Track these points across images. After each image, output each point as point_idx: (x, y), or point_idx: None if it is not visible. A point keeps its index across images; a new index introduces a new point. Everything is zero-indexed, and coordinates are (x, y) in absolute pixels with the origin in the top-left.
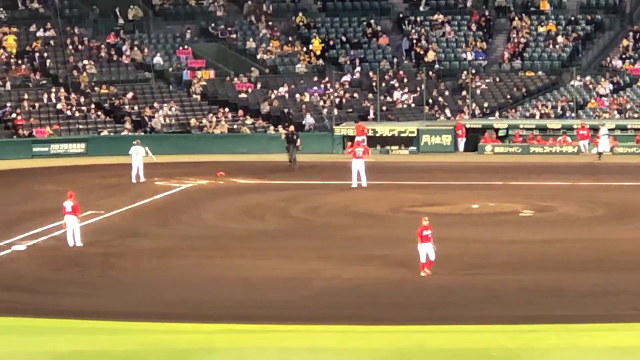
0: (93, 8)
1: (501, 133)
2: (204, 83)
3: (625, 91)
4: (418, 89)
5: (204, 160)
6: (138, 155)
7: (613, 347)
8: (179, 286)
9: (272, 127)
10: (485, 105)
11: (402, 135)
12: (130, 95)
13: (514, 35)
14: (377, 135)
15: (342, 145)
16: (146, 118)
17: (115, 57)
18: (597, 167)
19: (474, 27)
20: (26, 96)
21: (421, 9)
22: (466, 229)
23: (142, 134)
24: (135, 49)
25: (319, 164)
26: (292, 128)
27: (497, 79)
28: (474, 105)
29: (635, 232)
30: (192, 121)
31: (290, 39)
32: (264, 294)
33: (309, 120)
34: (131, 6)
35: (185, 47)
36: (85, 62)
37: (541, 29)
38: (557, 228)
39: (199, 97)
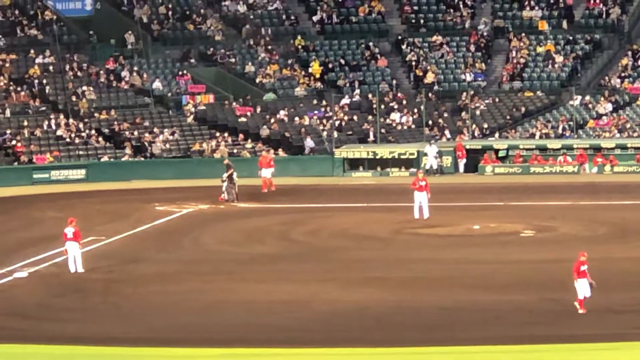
0: (91, 34)
1: (501, 154)
2: (203, 107)
3: (625, 110)
4: (416, 110)
5: (205, 185)
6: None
7: None
8: (181, 311)
9: (272, 151)
10: (485, 126)
11: (402, 157)
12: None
13: (513, 56)
14: (377, 157)
15: (342, 168)
16: (146, 143)
17: (114, 83)
18: (597, 186)
19: (472, 48)
20: (26, 123)
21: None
22: (467, 249)
23: (142, 159)
24: (135, 74)
25: (320, 186)
26: (226, 161)
27: (497, 100)
28: (473, 126)
29: (637, 251)
30: (196, 146)
31: (289, 62)
32: (266, 318)
33: (309, 143)
34: (129, 32)
35: (185, 72)
36: (85, 88)
37: (540, 49)
38: (559, 248)
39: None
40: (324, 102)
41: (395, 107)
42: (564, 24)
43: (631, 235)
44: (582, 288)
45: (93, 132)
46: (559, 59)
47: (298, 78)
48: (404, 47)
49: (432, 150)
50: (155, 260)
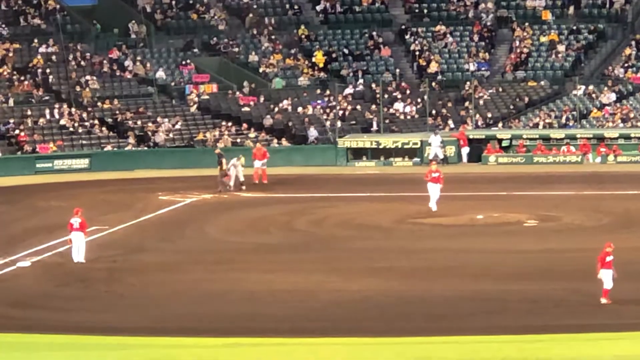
0: (94, 23)
1: (505, 143)
2: (206, 97)
3: (628, 100)
4: (420, 100)
5: (208, 174)
6: (236, 167)
7: (620, 356)
8: (184, 300)
9: (275, 140)
10: (489, 115)
11: (405, 146)
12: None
13: (517, 45)
14: (381, 147)
15: (346, 157)
16: (149, 133)
17: (117, 72)
18: (601, 176)
19: (476, 37)
20: (29, 112)
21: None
22: (471, 239)
23: (146, 148)
24: (138, 63)
25: (323, 176)
26: (217, 150)
27: (500, 89)
28: (477, 115)
29: None
30: (199, 135)
31: (292, 52)
32: (269, 307)
33: (312, 133)
34: (133, 21)
35: (188, 61)
36: (88, 77)
37: (543, 39)
38: (562, 237)
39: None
40: (327, 92)
41: (399, 96)
42: (571, 10)
43: (635, 225)
44: (607, 279)
45: (96, 121)
46: (563, 48)
47: (301, 68)
48: (407, 36)
49: (436, 140)
50: (158, 250)
